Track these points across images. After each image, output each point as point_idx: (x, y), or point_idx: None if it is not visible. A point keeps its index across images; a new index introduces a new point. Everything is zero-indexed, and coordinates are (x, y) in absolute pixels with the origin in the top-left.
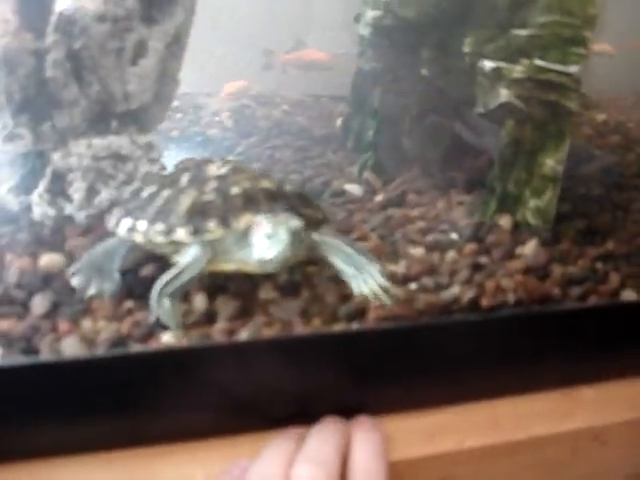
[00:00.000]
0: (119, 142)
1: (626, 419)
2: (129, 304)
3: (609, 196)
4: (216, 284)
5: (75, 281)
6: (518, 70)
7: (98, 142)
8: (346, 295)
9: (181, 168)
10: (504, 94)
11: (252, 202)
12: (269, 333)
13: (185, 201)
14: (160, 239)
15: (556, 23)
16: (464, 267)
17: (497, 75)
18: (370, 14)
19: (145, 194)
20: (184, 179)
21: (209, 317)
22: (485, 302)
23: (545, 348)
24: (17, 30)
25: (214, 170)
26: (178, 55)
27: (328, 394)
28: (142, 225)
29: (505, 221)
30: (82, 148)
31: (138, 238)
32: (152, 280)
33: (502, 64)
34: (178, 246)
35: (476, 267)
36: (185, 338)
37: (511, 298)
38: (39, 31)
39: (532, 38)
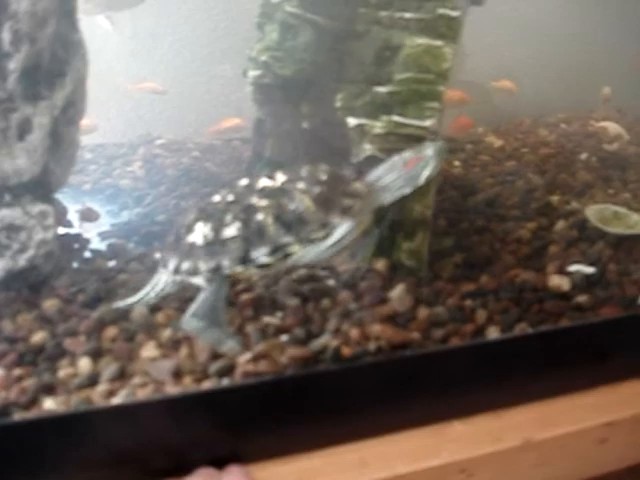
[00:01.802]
0: (12, 214)
1: (491, 451)
2: (18, 371)
3: (489, 227)
4: (101, 346)
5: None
6: (379, 126)
7: None
8: (217, 354)
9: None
10: (368, 148)
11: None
12: (144, 393)
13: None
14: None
15: (412, 79)
16: (335, 315)
17: (361, 130)
18: (251, 73)
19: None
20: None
21: (93, 379)
22: (347, 351)
23: (408, 390)
24: None
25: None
26: (76, 119)
27: (202, 447)
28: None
29: (381, 265)
30: None
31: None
32: (42, 347)
33: (364, 121)
34: None
35: (346, 314)
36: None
37: (372, 346)
38: None
39: (392, 94)
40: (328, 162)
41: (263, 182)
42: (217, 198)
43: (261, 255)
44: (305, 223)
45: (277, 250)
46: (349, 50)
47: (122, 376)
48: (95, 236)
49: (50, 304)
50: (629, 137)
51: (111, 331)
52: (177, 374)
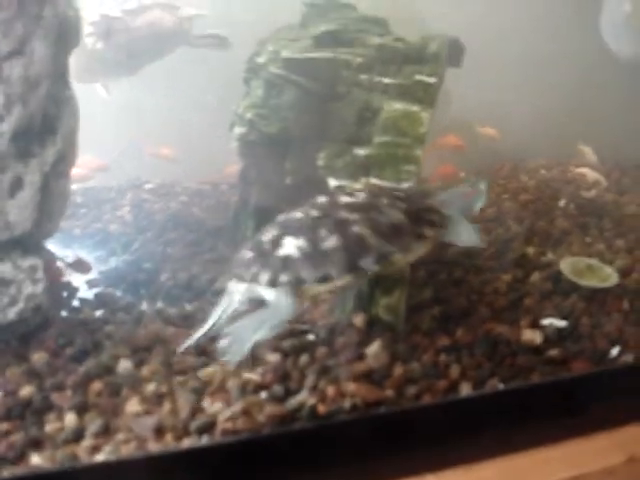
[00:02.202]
0: (2, 269)
1: None
2: (5, 425)
3: (466, 279)
4: (87, 401)
5: None
6: (357, 188)
7: None
8: (199, 408)
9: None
10: None
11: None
12: (127, 449)
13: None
14: None
15: (390, 143)
16: (312, 372)
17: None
18: (237, 130)
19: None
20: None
21: (78, 434)
22: (322, 409)
23: (382, 445)
24: None
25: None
26: (66, 172)
27: None
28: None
29: (359, 319)
30: None
31: None
32: (29, 401)
33: (344, 182)
34: None
35: (323, 371)
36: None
37: (347, 404)
38: None
39: (370, 157)
40: None
41: (344, 198)
42: (298, 215)
43: (369, 264)
44: (401, 234)
45: (382, 258)
46: (331, 110)
47: (106, 431)
48: (83, 284)
49: (38, 357)
50: (607, 184)
51: (97, 385)
52: (159, 430)
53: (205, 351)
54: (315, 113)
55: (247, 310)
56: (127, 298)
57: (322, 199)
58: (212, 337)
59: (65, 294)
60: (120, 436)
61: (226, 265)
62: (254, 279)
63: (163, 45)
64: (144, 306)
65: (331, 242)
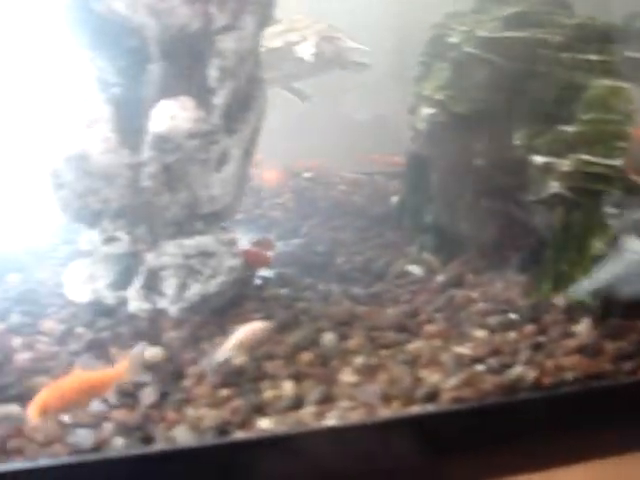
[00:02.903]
0: (205, 241)
1: None
2: (225, 392)
3: None
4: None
5: None
6: (566, 164)
7: (187, 242)
8: (418, 379)
9: None
10: (555, 186)
11: None
12: (354, 416)
13: None
14: None
15: (599, 120)
16: (525, 347)
17: (547, 168)
18: (425, 111)
19: None
20: None
21: (297, 401)
22: (546, 381)
23: (603, 419)
24: (116, 147)
25: None
26: (252, 153)
27: (410, 470)
28: None
29: (559, 300)
30: (174, 248)
31: None
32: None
33: (551, 159)
34: None
35: (536, 347)
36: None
37: (569, 376)
38: (134, 147)
39: (578, 134)
40: (497, 198)
41: None
42: None
43: None
44: None
45: None
46: (526, 89)
47: (327, 399)
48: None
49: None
50: None
51: (306, 356)
52: (385, 398)
53: (406, 327)
54: (509, 92)
55: None
56: (307, 279)
57: None
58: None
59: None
60: (343, 403)
61: (397, 250)
62: None
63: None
64: (326, 286)
65: None
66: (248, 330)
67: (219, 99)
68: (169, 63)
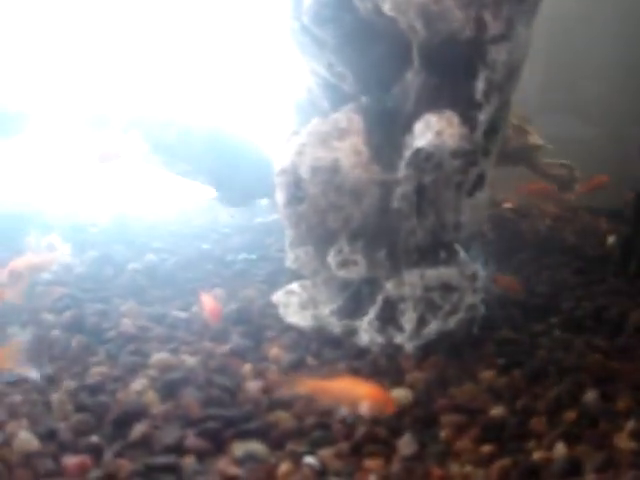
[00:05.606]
0: (449, 273)
1: None
2: (488, 447)
3: None
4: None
5: None
6: None
7: (430, 273)
8: None
9: None
10: None
11: None
12: None
13: None
14: None
15: None
16: None
17: None
18: None
19: None
20: None
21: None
22: None
23: None
24: (367, 162)
25: None
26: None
27: None
28: None
29: None
30: (415, 278)
31: None
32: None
33: None
34: None
35: None
36: None
37: None
38: (386, 163)
39: None
40: None
41: None
42: None
43: None
44: None
45: None
46: None
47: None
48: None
49: (487, 375)
50: None
51: (571, 415)
52: None
53: None
54: None
55: None
56: (531, 322)
57: None
58: None
59: None
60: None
61: (629, 298)
62: None
63: None
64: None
65: None
66: None
67: (484, 115)
68: (429, 73)
